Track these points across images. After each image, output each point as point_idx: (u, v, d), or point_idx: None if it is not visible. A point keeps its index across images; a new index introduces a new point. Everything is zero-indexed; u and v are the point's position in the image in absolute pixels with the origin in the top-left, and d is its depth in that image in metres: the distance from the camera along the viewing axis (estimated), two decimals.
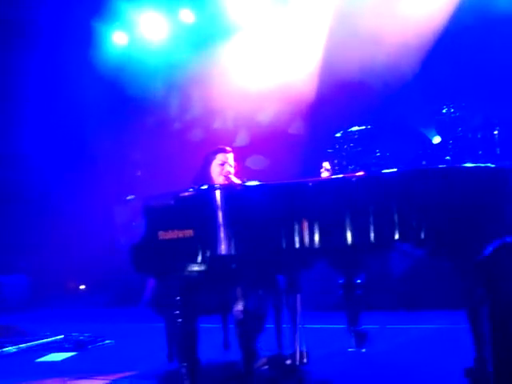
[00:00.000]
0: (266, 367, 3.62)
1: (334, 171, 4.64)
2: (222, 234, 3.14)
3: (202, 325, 3.39)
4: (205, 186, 3.35)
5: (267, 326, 3.71)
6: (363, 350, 4.17)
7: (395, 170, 3.32)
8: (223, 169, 4.12)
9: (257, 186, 3.33)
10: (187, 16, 8.30)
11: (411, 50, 6.65)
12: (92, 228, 8.84)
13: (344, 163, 5.67)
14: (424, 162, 6.40)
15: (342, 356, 4.11)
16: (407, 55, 6.71)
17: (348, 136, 5.69)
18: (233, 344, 3.82)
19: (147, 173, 8.31)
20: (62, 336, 5.26)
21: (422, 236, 3.06)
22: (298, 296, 3.66)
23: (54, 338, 5.23)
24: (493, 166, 3.45)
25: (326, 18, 7.34)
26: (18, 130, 8.98)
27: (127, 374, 4.06)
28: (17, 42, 8.69)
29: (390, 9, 6.83)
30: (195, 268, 3.26)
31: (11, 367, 4.51)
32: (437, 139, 6.80)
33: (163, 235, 3.26)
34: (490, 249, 2.16)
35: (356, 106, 6.64)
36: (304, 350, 3.58)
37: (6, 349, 4.88)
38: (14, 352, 4.90)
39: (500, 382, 2.03)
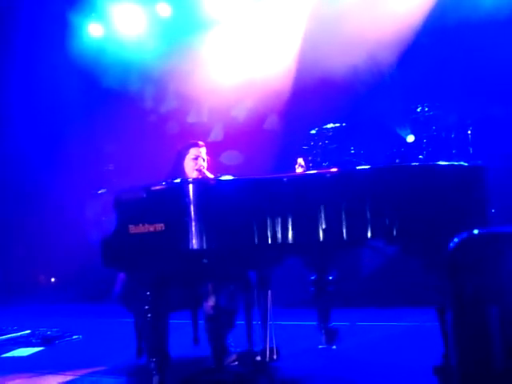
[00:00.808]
0: (236, 363, 3.60)
1: (308, 167, 4.63)
2: (193, 229, 3.10)
3: (171, 320, 3.35)
4: (177, 180, 3.32)
5: (238, 322, 3.69)
6: (334, 347, 4.17)
7: (368, 167, 3.33)
8: (196, 163, 4.09)
9: (230, 180, 3.30)
10: (164, 9, 8.22)
11: (387, 48, 6.68)
12: (63, 221, 8.72)
13: (318, 159, 5.69)
14: (398, 160, 6.45)
15: (312, 353, 4.11)
16: (383, 53, 6.75)
17: (323, 133, 5.71)
18: (203, 340, 3.79)
19: (120, 166, 8.20)
20: (29, 331, 5.16)
21: (394, 233, 3.07)
22: (269, 292, 3.64)
23: (20, 333, 5.13)
24: (465, 164, 3.48)
25: (303, 14, 7.34)
26: None
27: (95, 369, 4.00)
28: None
29: (366, 6, 6.86)
30: (166, 263, 3.22)
31: None
32: (411, 138, 6.85)
33: (134, 229, 3.22)
34: (456, 241, 2.13)
35: (331, 104, 6.65)
36: (274, 346, 3.56)
37: None
38: None
39: (464, 378, 2.03)
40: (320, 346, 4.19)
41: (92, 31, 8.63)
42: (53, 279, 9.09)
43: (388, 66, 6.87)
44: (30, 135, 8.75)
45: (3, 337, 5.03)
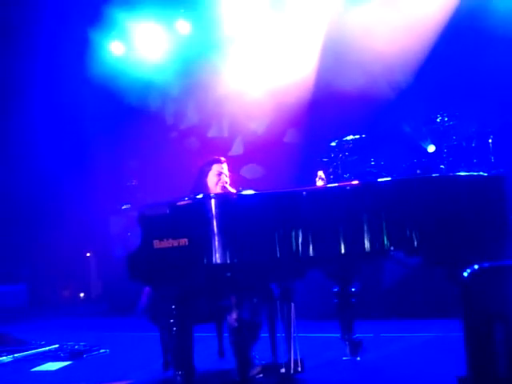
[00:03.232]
0: (261, 375, 3.63)
1: (328, 180, 4.67)
2: (216, 243, 3.16)
3: (196, 334, 3.40)
4: (200, 196, 3.38)
5: (262, 335, 3.72)
6: (358, 359, 4.17)
7: (389, 179, 3.37)
8: (219, 179, 4.14)
9: (251, 195, 3.36)
10: (183, 27, 8.36)
11: (406, 59, 6.71)
12: (88, 237, 8.86)
13: (339, 172, 5.72)
14: (418, 171, 6.45)
15: (336, 364, 4.11)
16: (402, 64, 6.77)
17: (343, 145, 5.74)
18: (228, 352, 3.82)
19: (143, 182, 8.33)
20: (57, 345, 5.25)
21: (415, 244, 3.09)
22: (292, 305, 3.67)
23: (49, 348, 5.22)
24: (485, 174, 3.49)
25: (320, 28, 7.40)
26: (14, 137, 8.97)
27: (123, 382, 4.05)
28: (15, 50, 8.70)
29: (385, 18, 6.90)
30: (190, 277, 3.28)
31: (6, 376, 4.50)
32: (431, 148, 6.84)
33: (158, 244, 3.28)
34: (469, 272, 2.48)
35: (351, 116, 6.69)
36: (298, 358, 3.58)
37: (2, 358, 4.87)
38: (10, 361, 4.89)
39: None
40: (344, 358, 4.19)
41: (113, 49, 8.79)
42: (82, 294, 9.19)
43: (406, 76, 6.88)
44: (52, 153, 8.92)
45: (32, 351, 5.12)
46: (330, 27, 7.26)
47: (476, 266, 2.52)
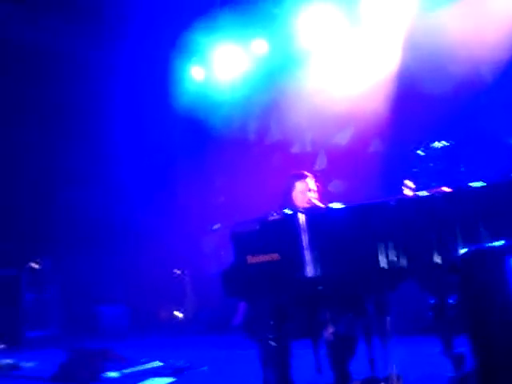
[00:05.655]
0: None
1: (416, 189, 4.57)
2: (307, 257, 3.19)
3: (293, 350, 3.41)
4: (288, 211, 3.43)
5: (359, 349, 3.68)
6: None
7: (483, 184, 3.27)
8: (306, 195, 4.15)
9: (339, 208, 3.36)
10: (260, 46, 8.47)
11: (492, 59, 6.47)
12: (181, 257, 9.10)
13: (426, 180, 5.57)
14: None
15: (439, 380, 3.97)
16: (488, 64, 6.54)
17: (430, 152, 5.59)
18: (325, 368, 3.80)
19: (230, 198, 8.50)
20: (161, 363, 5.46)
21: None
22: (388, 318, 3.61)
23: (152, 365, 5.43)
24: None
25: (399, 34, 7.29)
26: (103, 160, 9.39)
27: None
28: (99, 76, 9.09)
29: (465, 16, 6.69)
30: (284, 291, 3.32)
31: None
32: None
33: (251, 259, 3.36)
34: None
35: (436, 121, 6.52)
36: (397, 373, 3.51)
37: (111, 374, 5.13)
38: (118, 377, 5.14)
39: None
40: (449, 375, 4.04)
41: (194, 74, 9.04)
42: (180, 315, 9.39)
43: (493, 75, 6.64)
44: (138, 177, 9.27)
45: (137, 367, 5.36)
46: (409, 32, 7.14)
47: None
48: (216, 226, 7.49)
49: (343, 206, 3.37)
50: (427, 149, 5.56)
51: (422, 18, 6.98)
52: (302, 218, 3.23)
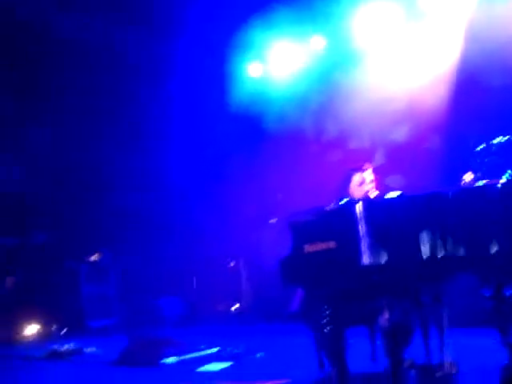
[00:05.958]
0: (413, 371, 3.64)
1: (475, 182, 4.55)
2: (364, 245, 3.27)
3: (349, 338, 3.50)
4: (345, 200, 3.53)
5: (414, 340, 3.72)
6: None
7: None
8: (362, 188, 4.22)
9: (395, 198, 3.43)
10: (318, 42, 8.51)
11: None
12: (237, 251, 9.27)
13: (486, 176, 5.50)
14: None
15: (494, 368, 3.97)
16: None
17: (490, 148, 5.52)
18: (380, 356, 3.87)
19: (287, 195, 8.59)
20: (218, 348, 5.65)
21: None
22: (445, 309, 3.65)
23: (210, 351, 5.63)
24: None
25: (459, 27, 7.19)
26: (159, 160, 9.62)
27: (281, 381, 4.27)
28: (155, 76, 9.26)
29: None
30: (340, 278, 3.41)
31: (176, 375, 4.96)
32: None
33: (309, 248, 3.47)
34: None
35: (497, 114, 6.41)
36: (453, 361, 3.55)
37: (170, 359, 5.35)
38: (177, 362, 5.36)
39: None
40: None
41: (251, 72, 9.15)
42: (237, 305, 9.54)
43: None
44: (197, 173, 9.47)
45: (195, 354, 5.57)
46: (470, 24, 7.03)
47: None
48: (273, 220, 7.64)
49: (399, 194, 3.43)
50: (486, 144, 5.50)
51: (482, 9, 6.86)
52: (359, 206, 3.31)
